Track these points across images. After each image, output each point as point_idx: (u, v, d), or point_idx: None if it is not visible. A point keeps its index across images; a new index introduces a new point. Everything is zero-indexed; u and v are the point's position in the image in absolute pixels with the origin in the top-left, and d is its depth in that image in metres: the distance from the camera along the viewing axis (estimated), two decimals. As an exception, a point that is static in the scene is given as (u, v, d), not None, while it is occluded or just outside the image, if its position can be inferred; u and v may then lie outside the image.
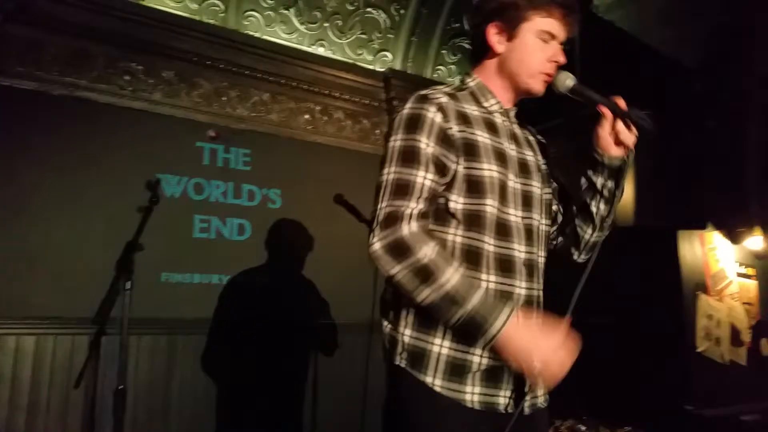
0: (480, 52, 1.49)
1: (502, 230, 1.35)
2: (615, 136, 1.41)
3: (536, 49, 1.39)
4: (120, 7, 3.29)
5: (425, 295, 1.23)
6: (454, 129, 1.34)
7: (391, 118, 4.21)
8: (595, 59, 3.47)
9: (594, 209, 1.49)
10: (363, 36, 4.13)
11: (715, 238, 3.49)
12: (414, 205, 1.28)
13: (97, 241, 3.10)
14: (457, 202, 1.34)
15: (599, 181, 1.46)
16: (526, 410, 1.35)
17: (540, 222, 1.45)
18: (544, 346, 1.21)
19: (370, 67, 4.18)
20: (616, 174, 1.45)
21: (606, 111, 1.41)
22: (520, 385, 1.34)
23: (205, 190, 3.50)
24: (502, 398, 1.33)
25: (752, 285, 3.56)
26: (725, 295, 3.41)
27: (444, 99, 1.37)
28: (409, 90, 4.19)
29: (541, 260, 1.46)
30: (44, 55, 3.16)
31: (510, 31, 1.41)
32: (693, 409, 3.06)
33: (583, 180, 1.52)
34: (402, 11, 4.16)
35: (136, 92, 3.40)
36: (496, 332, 1.21)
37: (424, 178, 1.30)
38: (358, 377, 3.11)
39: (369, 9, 4.08)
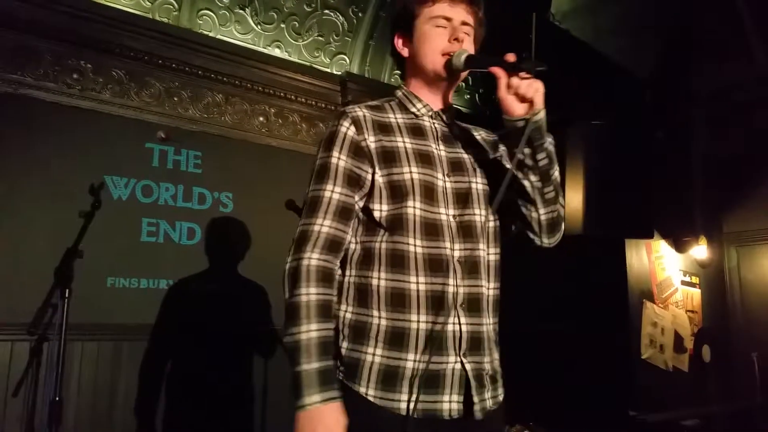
0: (400, 64, 1.54)
1: (431, 230, 1.34)
2: (515, 94, 1.29)
3: (433, 36, 1.42)
4: (68, 2, 3.17)
5: (287, 332, 1.27)
6: (370, 139, 1.37)
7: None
8: (550, 67, 3.52)
9: (526, 183, 1.39)
10: (320, 38, 4.09)
11: (661, 246, 3.59)
12: (321, 222, 1.33)
13: (40, 244, 3.00)
14: (381, 210, 1.34)
15: (518, 149, 1.33)
16: (478, 415, 1.31)
17: (482, 217, 1.41)
18: None
19: (327, 70, 4.14)
20: (532, 135, 1.31)
21: (497, 70, 1.31)
22: (468, 388, 1.30)
23: (154, 193, 3.41)
24: (446, 404, 1.29)
25: (696, 293, 3.67)
26: (670, 303, 3.51)
27: (361, 112, 1.40)
28: (365, 93, 4.19)
29: (490, 256, 1.42)
30: (-14, 50, 3.05)
31: (408, 33, 1.46)
32: (637, 414, 3.14)
33: (506, 155, 1.49)
34: (360, 14, 4.13)
35: (84, 91, 3.29)
36: (301, 405, 1.22)
37: (332, 192, 1.34)
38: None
39: (327, 11, 4.04)
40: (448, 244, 1.34)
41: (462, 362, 1.31)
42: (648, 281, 3.43)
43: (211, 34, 3.69)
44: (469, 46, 1.43)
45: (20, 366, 2.87)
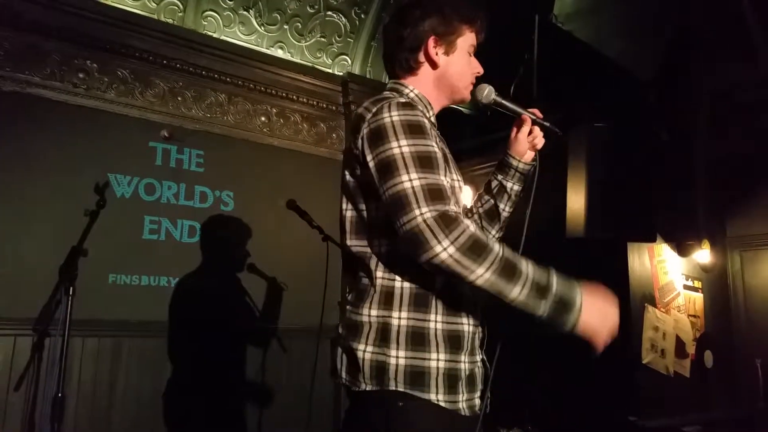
0: (411, 66, 1.46)
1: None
2: (531, 143, 1.56)
3: (470, 64, 1.50)
4: (76, 3, 3.23)
5: (517, 292, 1.17)
6: (438, 138, 1.40)
7: (361, 125, 4.19)
8: (553, 69, 3.50)
9: (503, 211, 1.64)
10: (322, 39, 4.11)
11: (664, 250, 3.54)
12: (456, 209, 1.22)
13: (44, 241, 3.04)
14: None
15: (509, 184, 1.61)
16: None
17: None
18: (611, 313, 1.28)
19: (329, 70, 4.16)
20: (527, 177, 1.60)
21: (527, 119, 1.54)
22: (486, 383, 1.38)
23: (156, 191, 3.45)
24: (477, 400, 1.36)
25: (698, 298, 3.62)
26: (672, 307, 3.47)
27: (422, 109, 1.41)
28: (367, 94, 4.17)
29: None
30: (-4, 50, 3.10)
31: (448, 45, 1.46)
32: (637, 419, 3.10)
33: (494, 184, 1.64)
34: (362, 16, 4.15)
35: (90, 90, 3.34)
36: (579, 309, 1.22)
37: (449, 182, 1.29)
38: (305, 382, 3.10)
39: (329, 12, 4.06)
40: None
41: (484, 359, 1.41)
42: (650, 285, 3.40)
43: (215, 35, 3.72)
44: None
45: (22, 361, 2.92)
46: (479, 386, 1.37)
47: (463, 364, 1.31)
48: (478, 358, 1.39)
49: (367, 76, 4.30)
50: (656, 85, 3.61)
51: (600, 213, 3.06)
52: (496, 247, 1.17)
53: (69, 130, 3.23)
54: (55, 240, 2.94)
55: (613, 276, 3.40)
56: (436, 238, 1.14)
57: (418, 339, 1.27)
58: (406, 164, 1.22)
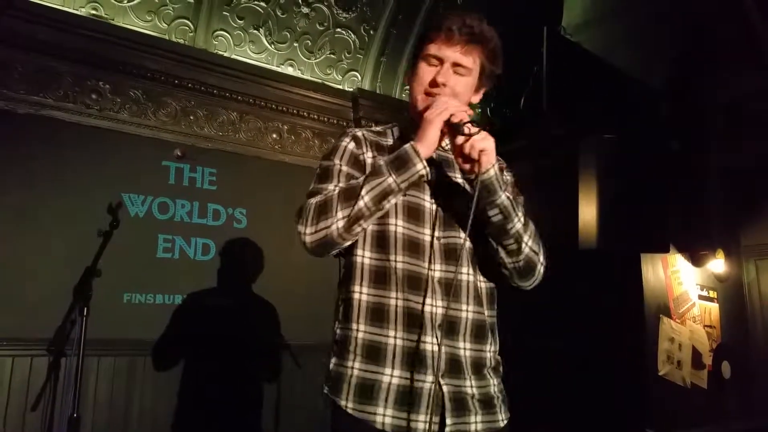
0: None
1: (413, 248, 1.37)
2: (460, 154, 1.31)
3: (420, 73, 1.45)
4: (88, 26, 3.29)
5: (365, 196, 1.30)
6: (367, 154, 1.45)
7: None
8: (562, 80, 3.51)
9: (489, 236, 1.40)
10: (332, 56, 4.15)
11: (678, 261, 3.52)
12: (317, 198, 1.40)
13: (58, 260, 3.07)
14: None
15: (471, 207, 1.31)
16: None
17: (467, 241, 1.36)
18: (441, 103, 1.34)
19: (339, 86, 4.19)
20: (480, 193, 1.30)
21: (444, 129, 1.34)
22: (443, 411, 1.29)
23: (170, 210, 3.48)
24: (421, 423, 1.28)
25: (714, 308, 3.59)
26: (687, 318, 3.44)
27: (361, 132, 1.50)
28: (377, 109, 4.23)
29: (481, 283, 1.41)
30: (11, 73, 3.14)
31: (412, 68, 1.50)
32: (654, 432, 3.08)
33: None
34: (371, 32, 4.19)
35: (103, 111, 3.39)
36: (409, 146, 1.33)
37: (335, 186, 1.38)
38: (319, 398, 3.09)
39: (339, 29, 4.10)
40: (427, 264, 1.37)
41: (439, 383, 1.31)
42: (664, 296, 3.38)
43: (226, 54, 3.77)
44: (461, 89, 1.41)
45: (39, 381, 2.94)
46: (425, 408, 1.29)
47: (387, 377, 1.30)
48: (427, 378, 1.30)
49: (377, 91, 4.32)
50: (668, 95, 3.60)
51: (612, 224, 3.05)
52: (334, 191, 1.33)
53: (82, 150, 3.28)
54: (70, 260, 2.96)
55: (627, 288, 3.39)
56: (298, 230, 1.34)
57: (341, 346, 1.38)
58: (312, 182, 1.45)
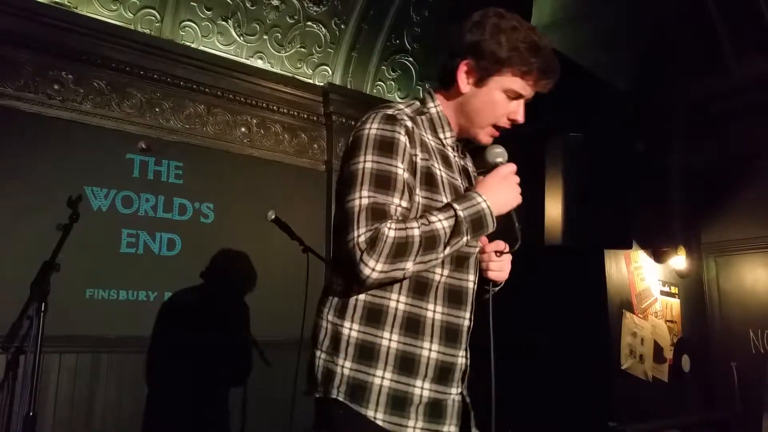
0: (448, 80, 1.41)
1: (457, 261, 1.34)
2: (487, 268, 1.44)
3: (498, 105, 1.35)
4: (50, 14, 3.18)
5: (442, 251, 1.24)
6: (418, 156, 1.31)
7: (339, 133, 4.19)
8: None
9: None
10: (303, 49, 4.11)
11: (640, 257, 3.61)
12: (389, 224, 1.27)
13: (18, 256, 2.97)
14: None
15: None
16: None
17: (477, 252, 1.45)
18: (507, 184, 1.34)
19: (309, 80, 4.15)
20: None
21: (484, 244, 1.45)
22: (466, 420, 1.33)
23: (134, 204, 3.40)
24: None
25: (675, 303, 3.69)
26: (649, 313, 3.53)
27: (410, 123, 1.32)
28: (348, 104, 4.22)
29: (473, 286, 1.46)
30: (-34, 61, 3.04)
31: (479, 77, 1.35)
32: (616, 425, 3.14)
33: None
34: (342, 26, 4.16)
35: (65, 102, 3.29)
36: (489, 211, 1.29)
37: (398, 206, 1.25)
38: (287, 395, 3.08)
39: (309, 23, 4.06)
40: (471, 277, 1.38)
41: (462, 393, 1.36)
42: (627, 291, 3.46)
43: (193, 45, 3.69)
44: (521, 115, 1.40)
45: (-4, 379, 2.86)
46: (453, 420, 1.32)
47: (419, 389, 1.28)
48: (453, 390, 1.33)
49: (348, 86, 4.30)
50: (632, 96, 3.68)
51: (577, 221, 3.11)
52: (415, 232, 1.22)
53: (43, 142, 3.17)
54: (30, 255, 2.87)
55: (591, 283, 3.46)
56: (363, 261, 1.20)
57: (366, 353, 1.28)
58: (362, 180, 1.26)
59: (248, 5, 3.82)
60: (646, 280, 3.56)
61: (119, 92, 3.46)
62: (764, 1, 3.41)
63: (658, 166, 3.66)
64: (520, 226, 1.38)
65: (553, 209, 3.16)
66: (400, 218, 1.25)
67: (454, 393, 1.33)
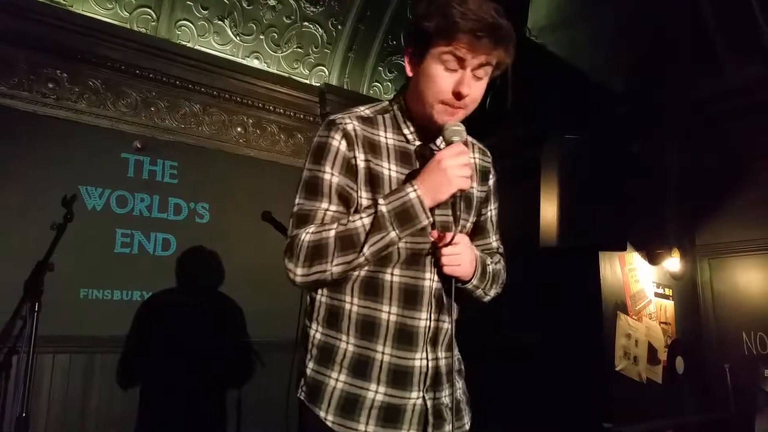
0: (406, 72, 1.39)
1: (410, 259, 1.30)
2: (441, 263, 1.33)
3: (435, 78, 1.27)
4: (45, 12, 3.17)
5: (366, 250, 1.23)
6: (359, 157, 1.29)
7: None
8: (526, 82, 3.55)
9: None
10: (299, 50, 4.10)
11: (635, 259, 3.62)
12: (311, 228, 1.29)
13: (12, 255, 2.96)
14: None
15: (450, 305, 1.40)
16: None
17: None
18: (445, 168, 1.25)
19: (306, 81, 4.15)
20: (464, 293, 1.39)
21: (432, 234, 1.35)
22: (425, 426, 1.29)
23: (128, 203, 3.39)
24: None
25: (669, 305, 3.70)
26: (643, 314, 3.54)
27: (351, 125, 1.30)
28: (344, 105, 4.20)
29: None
30: (-40, 58, 3.03)
31: (417, 58, 1.31)
32: (611, 426, 3.15)
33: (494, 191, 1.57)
34: (339, 27, 4.16)
35: (60, 100, 3.27)
36: (419, 201, 1.24)
37: (326, 210, 1.28)
38: (282, 396, 3.07)
39: (306, 23, 4.06)
40: (428, 275, 1.33)
41: (424, 398, 1.31)
42: (621, 293, 3.46)
43: (189, 45, 3.69)
44: (479, 94, 1.30)
45: (-13, 379, 2.84)
46: (414, 426, 1.29)
47: (372, 393, 1.27)
48: (413, 394, 1.30)
49: (345, 87, 4.30)
50: (627, 97, 3.69)
51: (572, 222, 3.11)
52: (331, 234, 1.23)
53: (38, 141, 3.16)
54: (24, 255, 2.85)
55: (586, 284, 3.46)
56: (286, 266, 1.27)
57: (325, 355, 1.31)
58: (298, 189, 1.33)
59: (245, 5, 3.81)
60: (641, 282, 3.57)
61: (114, 91, 3.45)
62: (758, 4, 3.43)
63: (653, 168, 3.67)
64: (459, 214, 1.34)
65: (549, 211, 3.17)
66: (329, 221, 1.27)
67: (414, 397, 1.29)
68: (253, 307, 3.57)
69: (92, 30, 3.32)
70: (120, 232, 3.33)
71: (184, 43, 3.67)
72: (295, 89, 4.05)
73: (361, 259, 1.23)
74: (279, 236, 3.07)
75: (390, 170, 1.32)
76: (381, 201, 1.25)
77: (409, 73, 1.35)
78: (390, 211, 1.24)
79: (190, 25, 3.71)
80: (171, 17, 3.62)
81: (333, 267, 1.23)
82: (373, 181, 1.30)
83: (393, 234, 1.24)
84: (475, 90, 1.28)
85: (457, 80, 1.26)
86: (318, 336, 1.32)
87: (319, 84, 4.18)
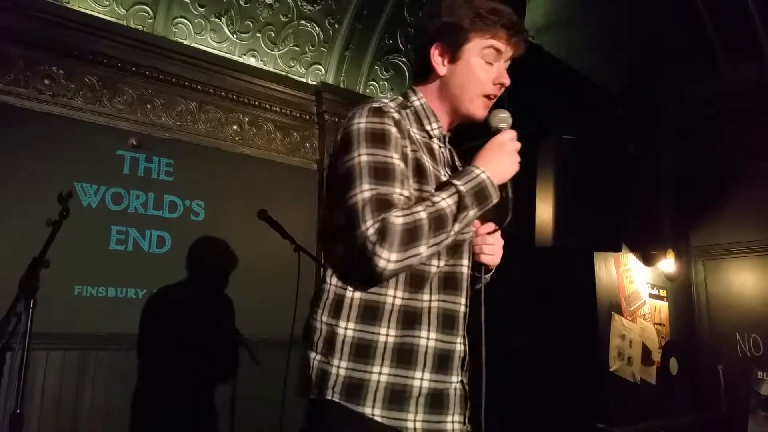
0: (424, 72, 1.42)
1: (449, 250, 1.33)
2: (480, 251, 1.47)
3: (478, 72, 1.35)
4: (41, 8, 3.16)
5: (452, 229, 1.25)
6: (408, 148, 1.31)
7: (332, 133, 4.19)
8: (523, 82, 3.56)
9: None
10: (296, 48, 4.10)
11: (629, 260, 3.62)
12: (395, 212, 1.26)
13: (7, 251, 2.95)
14: None
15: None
16: None
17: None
18: (504, 152, 1.34)
19: (302, 79, 4.15)
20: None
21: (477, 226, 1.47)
22: (465, 409, 1.32)
23: (123, 200, 3.38)
24: (449, 424, 1.29)
25: (663, 306, 3.71)
26: (638, 315, 3.54)
27: (396, 114, 1.31)
28: (340, 104, 4.21)
29: (467, 271, 1.45)
30: (-44, 54, 3.02)
31: (452, 54, 1.36)
32: (605, 427, 3.15)
33: None
34: (336, 25, 4.16)
35: (56, 97, 3.27)
36: (489, 181, 1.29)
37: (400, 194, 1.24)
38: (277, 395, 3.07)
39: (303, 21, 4.05)
40: (465, 262, 1.37)
41: (462, 381, 1.34)
42: (616, 294, 3.47)
43: (186, 42, 3.68)
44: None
45: (-18, 376, 2.83)
46: (456, 410, 1.31)
47: (418, 381, 1.26)
48: (454, 378, 1.32)
49: (341, 85, 4.30)
50: (624, 98, 3.69)
51: (567, 223, 3.12)
52: (423, 215, 1.22)
53: (34, 137, 3.16)
54: (19, 251, 2.85)
55: (580, 284, 3.47)
56: (376, 254, 1.18)
57: (362, 351, 1.27)
58: (361, 174, 1.24)
59: (242, 3, 3.81)
60: (635, 283, 3.58)
61: (111, 88, 3.44)
62: (755, 7, 3.43)
63: (649, 169, 3.68)
64: (512, 197, 1.37)
65: (544, 211, 3.17)
66: (404, 206, 1.23)
67: (455, 381, 1.32)
68: (247, 305, 3.57)
69: (89, 27, 3.31)
70: (115, 229, 3.33)
71: (180, 40, 3.66)
72: (292, 87, 4.05)
73: (449, 240, 1.26)
74: (274, 234, 3.07)
75: (427, 162, 1.34)
76: (456, 182, 1.28)
77: (441, 71, 1.38)
78: (469, 190, 1.27)
79: (187, 22, 3.70)
80: (168, 14, 3.61)
81: (427, 249, 1.22)
82: (420, 171, 1.31)
83: (473, 212, 1.28)
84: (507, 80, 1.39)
85: (498, 72, 1.36)
86: (349, 333, 1.27)
87: (315, 82, 4.18)
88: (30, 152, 3.12)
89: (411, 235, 1.19)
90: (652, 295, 3.64)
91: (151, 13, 3.57)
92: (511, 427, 3.23)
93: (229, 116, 3.87)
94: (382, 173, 1.24)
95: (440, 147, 1.42)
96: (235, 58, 3.87)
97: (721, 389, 3.63)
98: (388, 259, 1.18)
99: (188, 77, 3.67)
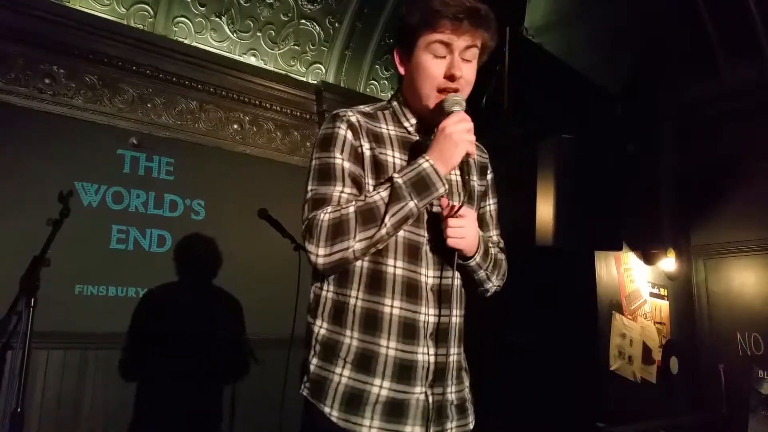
0: (399, 75, 1.47)
1: (411, 252, 1.32)
2: (446, 235, 1.33)
3: (428, 68, 1.34)
4: (42, 7, 3.16)
5: (387, 221, 1.24)
6: (365, 146, 1.34)
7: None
8: (523, 82, 3.55)
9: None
10: (296, 47, 4.10)
11: (630, 259, 3.62)
12: (329, 209, 1.30)
13: (8, 250, 2.95)
14: None
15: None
16: None
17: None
18: (453, 133, 1.28)
19: (303, 78, 4.15)
20: (468, 269, 1.40)
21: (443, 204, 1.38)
22: (427, 421, 1.29)
23: (124, 200, 3.39)
24: None
25: (664, 305, 3.70)
26: (638, 314, 3.55)
27: (354, 117, 1.36)
28: (341, 103, 4.20)
29: (458, 282, 1.42)
30: (-44, 53, 3.02)
31: (407, 55, 1.39)
32: (604, 426, 3.16)
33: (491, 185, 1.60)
34: (337, 25, 4.16)
35: (57, 96, 3.27)
36: (433, 168, 1.27)
37: (341, 192, 1.29)
38: (277, 393, 3.07)
39: (303, 21, 4.05)
40: (423, 270, 1.34)
41: (426, 393, 1.31)
42: (617, 293, 3.47)
43: (186, 41, 3.68)
44: (472, 76, 1.37)
45: (-18, 375, 2.83)
46: (418, 421, 1.29)
47: (376, 388, 1.27)
48: (417, 389, 1.30)
49: (342, 84, 4.30)
50: (624, 98, 3.69)
51: (568, 222, 3.12)
52: (350, 209, 1.25)
53: (34, 136, 3.16)
54: (20, 250, 2.85)
55: (581, 284, 3.47)
56: (308, 249, 1.27)
57: (329, 350, 1.31)
58: (308, 179, 1.35)
59: (242, 2, 3.81)
60: (636, 282, 3.58)
61: (111, 87, 3.45)
62: (756, 7, 3.43)
63: (649, 168, 3.68)
64: (468, 178, 1.38)
65: (545, 210, 3.17)
66: (344, 203, 1.28)
67: (418, 392, 1.30)
68: (248, 303, 3.57)
69: (89, 26, 3.32)
70: (116, 228, 3.33)
71: (181, 39, 3.67)
72: (292, 87, 4.05)
73: (383, 232, 1.25)
74: (274, 233, 3.07)
75: (394, 158, 1.37)
76: (395, 175, 1.28)
77: (402, 72, 1.43)
78: (406, 182, 1.27)
79: (188, 21, 3.70)
80: (168, 14, 3.62)
81: (356, 243, 1.23)
82: (379, 168, 1.34)
83: (412, 204, 1.26)
84: (466, 72, 1.35)
85: (448, 64, 1.33)
86: (322, 332, 1.33)
87: (315, 81, 4.18)
88: (30, 151, 3.13)
89: (336, 230, 1.24)
90: (652, 294, 3.64)
91: (151, 12, 3.57)
92: (510, 426, 3.24)
93: (229, 115, 3.87)
94: (324, 174, 1.32)
95: (424, 139, 1.41)
96: (236, 57, 3.87)
97: (722, 388, 3.62)
98: (317, 253, 1.25)
99: (189, 76, 3.67)
